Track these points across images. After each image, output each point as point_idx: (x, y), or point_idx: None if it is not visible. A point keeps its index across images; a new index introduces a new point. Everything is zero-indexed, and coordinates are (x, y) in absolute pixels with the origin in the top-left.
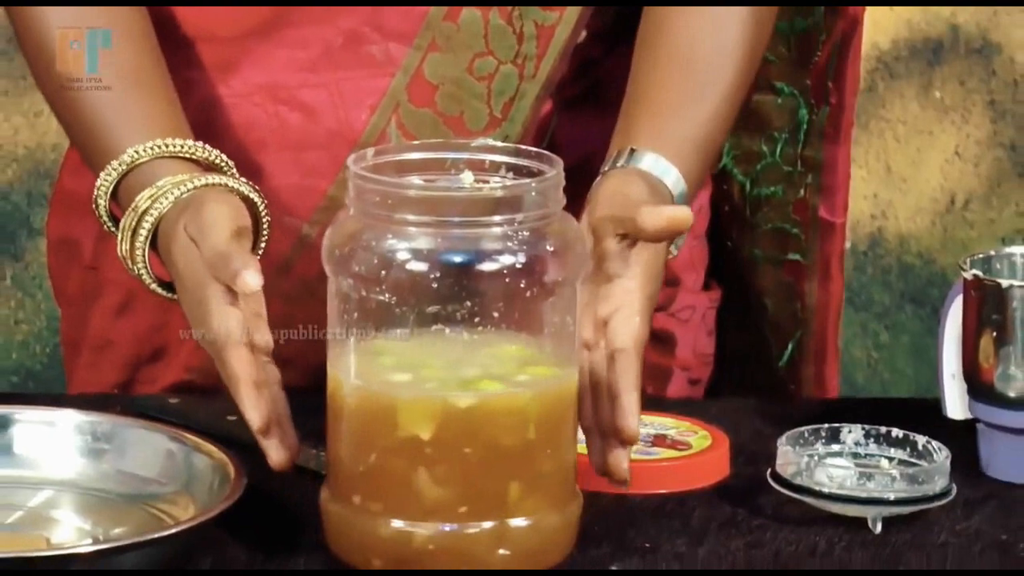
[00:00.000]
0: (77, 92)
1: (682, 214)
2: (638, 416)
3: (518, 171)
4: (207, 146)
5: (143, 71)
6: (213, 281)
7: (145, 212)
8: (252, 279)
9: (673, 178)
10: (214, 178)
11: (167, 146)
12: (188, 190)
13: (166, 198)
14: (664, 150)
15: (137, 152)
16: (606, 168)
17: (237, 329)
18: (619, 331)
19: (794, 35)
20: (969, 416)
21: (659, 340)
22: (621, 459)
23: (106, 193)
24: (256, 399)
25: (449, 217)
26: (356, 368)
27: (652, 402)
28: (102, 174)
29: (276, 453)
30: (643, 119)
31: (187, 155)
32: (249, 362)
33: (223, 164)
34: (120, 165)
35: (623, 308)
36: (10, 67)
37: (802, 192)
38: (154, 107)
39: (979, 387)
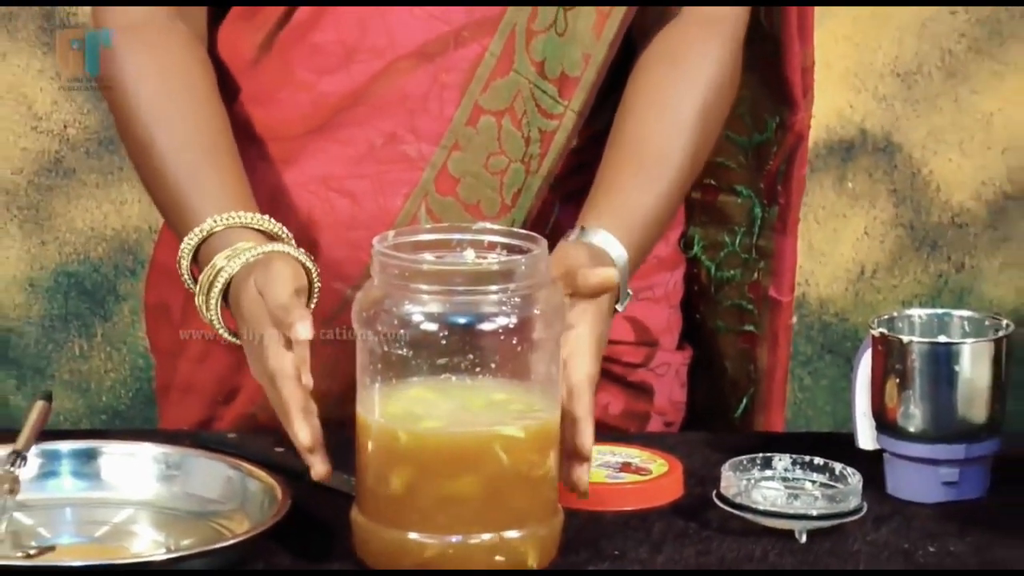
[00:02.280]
0: (165, 169)
1: (609, 274)
2: (592, 437)
3: (511, 249)
4: (272, 219)
5: (220, 153)
6: (273, 327)
7: (221, 270)
8: (304, 330)
9: (617, 250)
10: (278, 246)
11: (240, 218)
12: (257, 254)
13: (239, 259)
14: (610, 227)
15: (216, 221)
16: (561, 241)
17: (289, 366)
18: (574, 370)
19: (751, 148)
20: (877, 447)
21: (641, 390)
22: (581, 474)
23: (188, 254)
24: (304, 422)
25: (455, 286)
26: (379, 409)
27: (620, 436)
28: (186, 238)
29: (320, 466)
30: (599, 201)
31: (256, 226)
32: (299, 392)
33: (284, 235)
34: (201, 231)
35: (576, 351)
36: (101, 164)
37: (756, 275)
38: (228, 183)
39: (885, 423)
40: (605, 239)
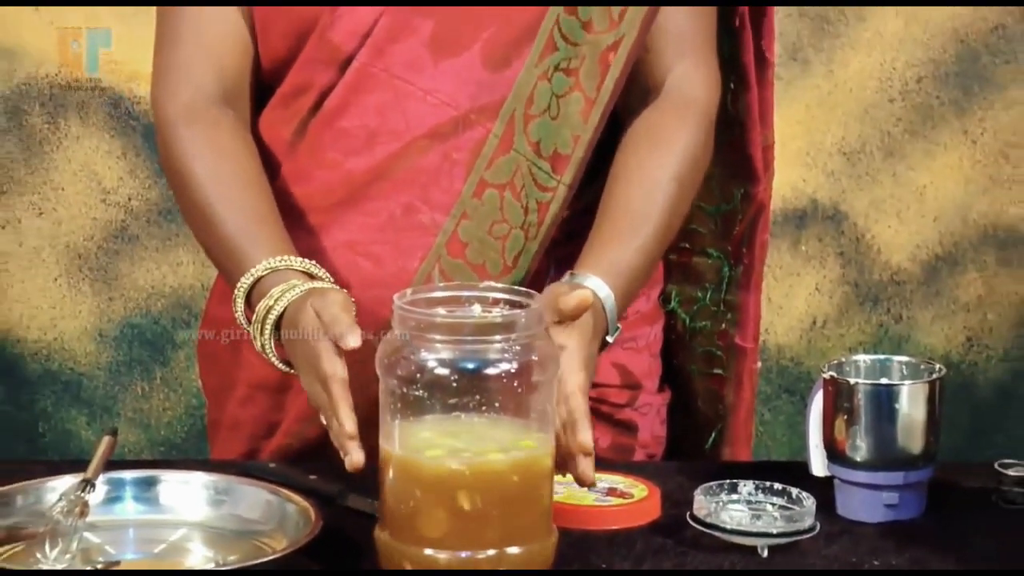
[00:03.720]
0: (223, 228)
1: (584, 294)
2: (591, 434)
3: (512, 304)
4: (317, 264)
5: (267, 214)
6: (326, 339)
7: (278, 300)
8: (354, 339)
9: (604, 290)
10: (325, 284)
11: (291, 261)
12: (308, 288)
13: (293, 291)
14: (597, 271)
15: (270, 264)
16: (552, 284)
17: (341, 370)
18: (566, 381)
19: (720, 215)
20: (828, 474)
21: (627, 427)
22: (587, 467)
23: (243, 293)
24: (351, 415)
25: (464, 336)
26: (399, 442)
27: (606, 465)
28: (242, 278)
29: (357, 454)
30: (588, 253)
31: (303, 269)
32: (347, 393)
33: (326, 277)
34: (256, 272)
35: (567, 366)
36: (160, 231)
37: (724, 326)
38: (276, 237)
39: (835, 453)
40: (592, 281)
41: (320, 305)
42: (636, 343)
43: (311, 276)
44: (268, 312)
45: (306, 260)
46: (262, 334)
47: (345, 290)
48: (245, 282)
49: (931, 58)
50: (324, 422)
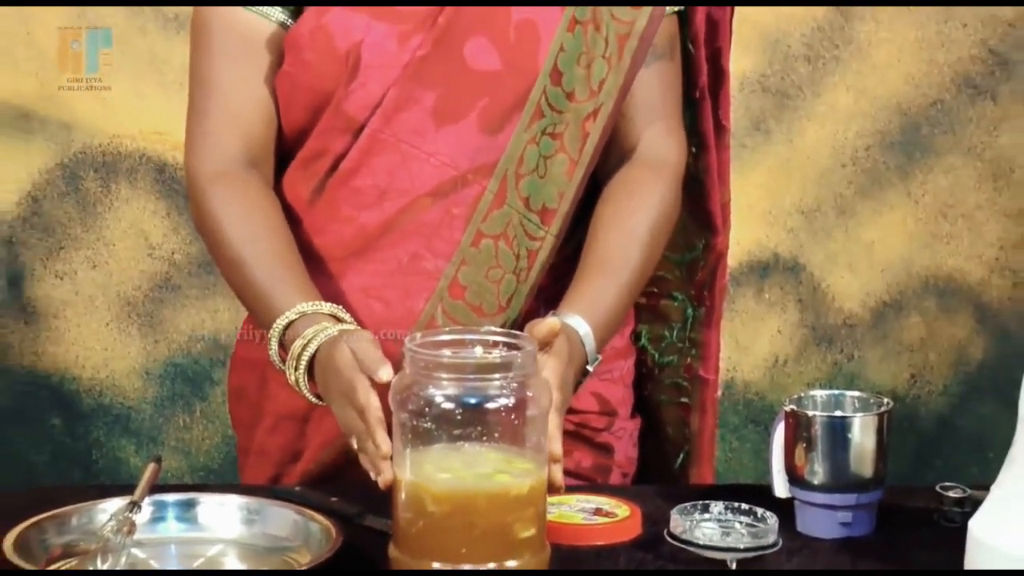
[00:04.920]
0: (254, 277)
1: (551, 322)
2: (560, 443)
3: (509, 346)
4: (343, 309)
5: (293, 263)
6: (360, 373)
7: (311, 340)
8: (386, 373)
9: (584, 327)
10: (352, 325)
11: (322, 306)
12: (338, 329)
13: (326, 331)
14: (577, 310)
15: (301, 308)
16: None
17: (375, 400)
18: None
19: (684, 264)
20: (789, 495)
21: (605, 449)
22: (556, 472)
23: (278, 334)
24: (387, 439)
25: (467, 375)
26: (410, 469)
27: (592, 488)
28: (278, 320)
29: (389, 473)
30: (570, 295)
31: (330, 312)
32: (382, 419)
33: (352, 322)
34: (290, 315)
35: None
36: (200, 282)
37: (689, 360)
38: (304, 285)
39: (795, 477)
40: (574, 319)
41: (355, 343)
42: (612, 375)
43: (337, 319)
44: (303, 350)
45: (332, 304)
46: (296, 370)
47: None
48: (279, 325)
49: (878, 129)
50: (356, 446)
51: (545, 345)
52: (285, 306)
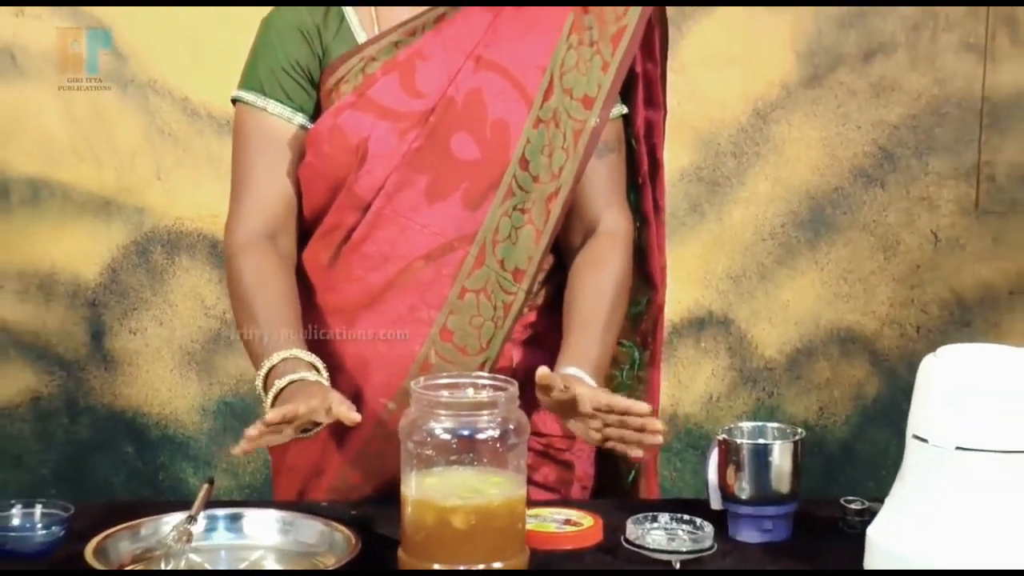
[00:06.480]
0: (259, 326)
1: (541, 372)
2: (617, 397)
3: (495, 388)
4: (318, 359)
5: (290, 320)
6: (334, 391)
7: (286, 375)
8: (355, 414)
9: (583, 374)
10: (311, 376)
11: (300, 354)
12: (314, 379)
13: (297, 374)
14: (575, 363)
15: (284, 358)
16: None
17: (339, 397)
18: (593, 395)
19: (631, 316)
20: (723, 507)
21: (567, 465)
22: (656, 424)
23: (263, 373)
24: (349, 404)
25: (461, 412)
26: (415, 488)
27: (562, 502)
28: (266, 362)
29: (354, 412)
30: (564, 350)
31: (308, 360)
32: (340, 400)
33: (320, 367)
34: (271, 361)
35: (583, 393)
36: (229, 330)
37: (637, 395)
38: (292, 337)
39: (727, 493)
40: (569, 369)
41: (325, 391)
42: None
43: (314, 367)
44: (279, 380)
45: (311, 354)
46: (266, 398)
47: (324, 379)
48: (264, 367)
49: (791, 210)
50: (317, 414)
51: (545, 390)
52: (270, 352)
